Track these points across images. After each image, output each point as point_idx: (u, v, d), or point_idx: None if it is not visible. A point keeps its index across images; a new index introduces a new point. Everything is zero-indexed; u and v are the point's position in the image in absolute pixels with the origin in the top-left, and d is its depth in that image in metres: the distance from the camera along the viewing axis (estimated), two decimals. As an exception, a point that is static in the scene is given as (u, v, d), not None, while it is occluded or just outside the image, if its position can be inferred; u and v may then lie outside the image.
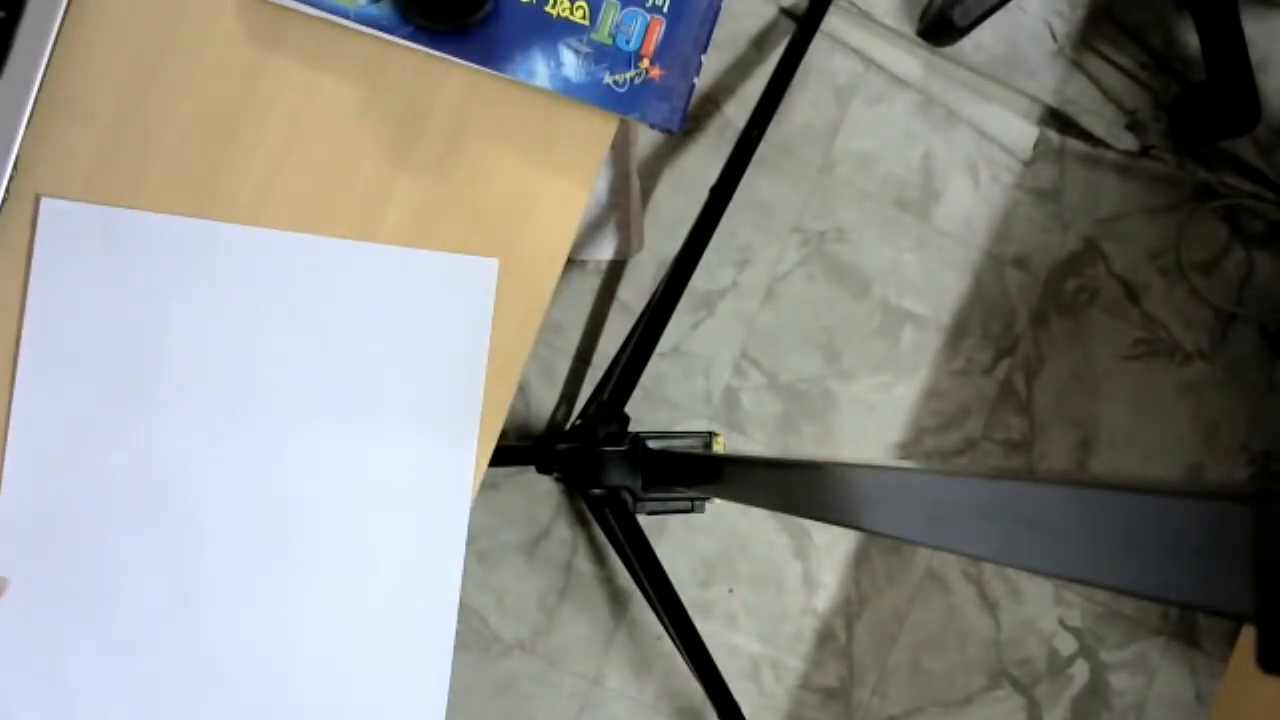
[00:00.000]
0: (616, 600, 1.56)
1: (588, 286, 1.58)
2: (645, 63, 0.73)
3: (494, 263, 0.74)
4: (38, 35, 0.64)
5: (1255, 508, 0.25)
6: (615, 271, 1.58)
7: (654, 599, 1.39)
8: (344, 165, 0.71)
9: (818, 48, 1.61)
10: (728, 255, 1.60)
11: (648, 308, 1.45)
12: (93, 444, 0.67)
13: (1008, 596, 1.66)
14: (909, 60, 1.66)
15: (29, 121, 0.65)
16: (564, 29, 0.72)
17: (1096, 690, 1.68)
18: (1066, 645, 1.68)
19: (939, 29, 1.62)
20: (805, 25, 1.59)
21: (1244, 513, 0.25)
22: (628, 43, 0.73)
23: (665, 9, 0.73)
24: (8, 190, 0.64)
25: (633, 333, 1.47)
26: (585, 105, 0.73)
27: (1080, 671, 1.68)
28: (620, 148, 1.37)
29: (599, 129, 0.75)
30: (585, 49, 0.72)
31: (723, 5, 0.75)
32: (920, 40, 1.65)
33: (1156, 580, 0.29)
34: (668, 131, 0.75)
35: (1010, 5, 1.61)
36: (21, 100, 0.64)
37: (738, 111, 1.60)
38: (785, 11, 1.62)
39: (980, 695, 1.65)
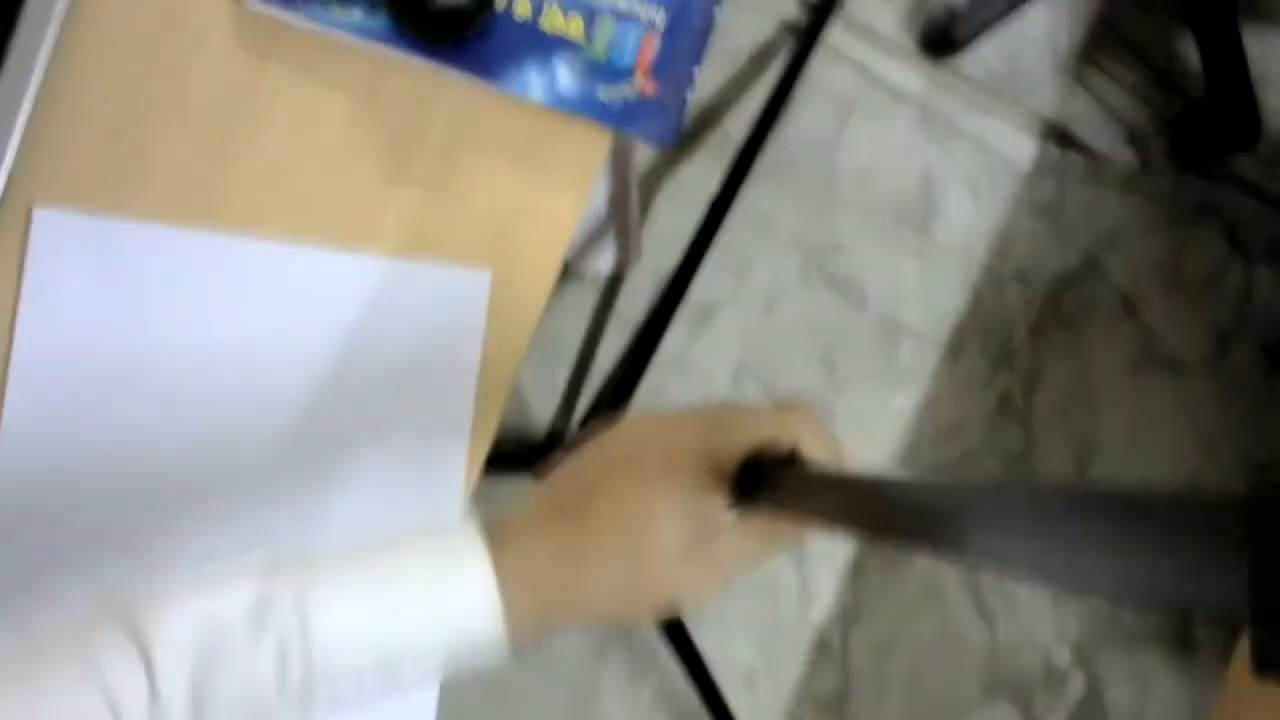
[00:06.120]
0: (614, 609, 1.56)
1: (586, 298, 1.58)
2: (640, 78, 0.74)
3: (487, 275, 0.75)
4: (32, 46, 0.65)
5: (1251, 512, 0.26)
6: (613, 283, 1.59)
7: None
8: (339, 177, 0.72)
9: (818, 61, 1.62)
10: (727, 267, 1.60)
11: (646, 318, 1.45)
12: (84, 458, 0.68)
13: (1004, 608, 1.66)
14: (910, 75, 1.66)
15: (24, 132, 0.65)
16: (558, 44, 0.72)
17: (1093, 702, 1.68)
18: (1063, 657, 1.68)
19: (940, 43, 1.63)
20: (806, 39, 1.59)
21: (1240, 517, 0.26)
22: (622, 58, 0.74)
23: (659, 25, 0.74)
24: (2, 200, 0.65)
25: (631, 343, 1.47)
26: (580, 120, 0.74)
27: (1077, 683, 1.68)
28: (619, 159, 1.37)
29: (593, 143, 0.76)
30: (579, 64, 0.73)
31: (719, 20, 0.76)
32: (921, 55, 1.65)
33: (1154, 585, 0.29)
34: (661, 146, 0.75)
35: (1011, 20, 1.62)
36: (16, 111, 0.65)
37: (738, 125, 1.61)
38: (786, 25, 1.63)
39: (976, 707, 1.65)
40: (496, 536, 0.50)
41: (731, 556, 0.53)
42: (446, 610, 0.49)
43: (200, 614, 0.47)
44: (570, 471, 0.54)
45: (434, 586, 0.49)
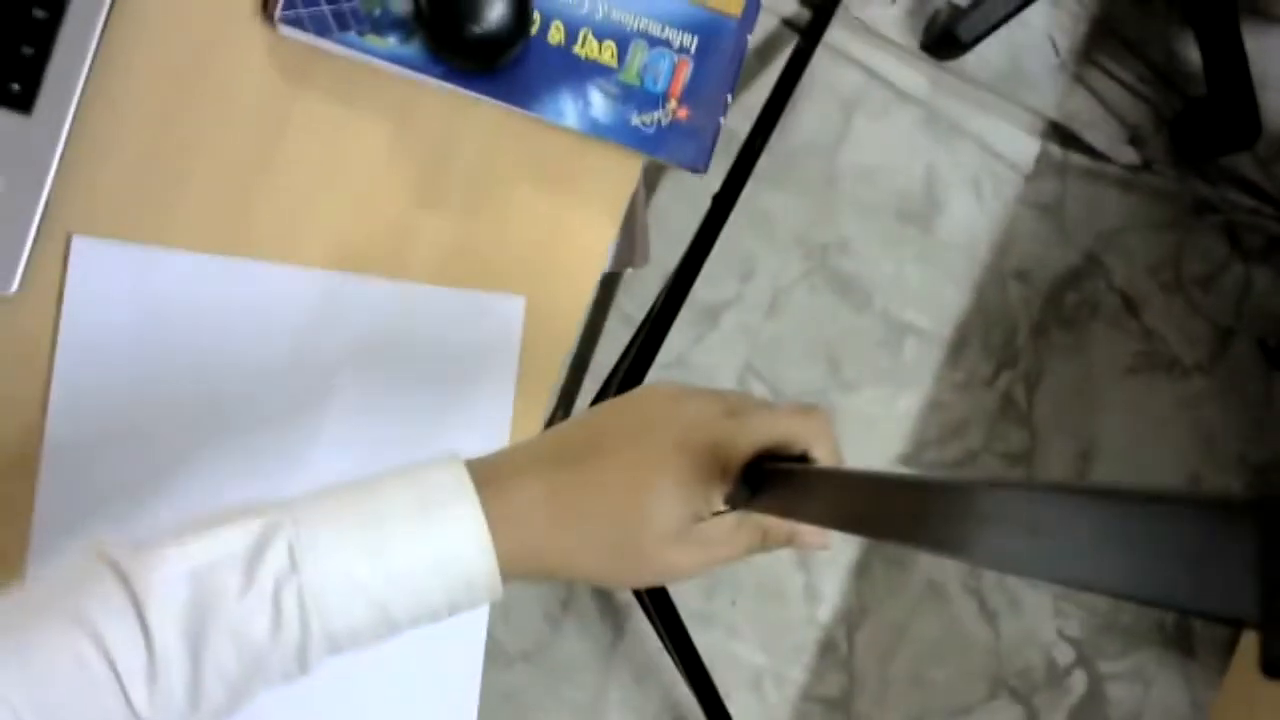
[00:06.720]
0: (619, 611, 1.56)
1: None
2: (672, 103, 0.74)
3: (521, 300, 0.75)
4: (68, 76, 0.64)
5: (1259, 512, 0.26)
6: (616, 282, 1.58)
7: (652, 613, 1.39)
8: (374, 203, 0.72)
9: (821, 60, 1.62)
10: (731, 267, 1.60)
11: (648, 317, 1.45)
12: (127, 481, 0.67)
13: (1007, 607, 1.67)
14: (913, 74, 1.66)
15: (60, 159, 0.65)
16: (592, 70, 0.72)
17: (1094, 700, 1.70)
18: (1065, 655, 1.69)
19: (943, 43, 1.63)
20: (808, 37, 1.59)
21: (1248, 517, 0.26)
22: (655, 83, 0.73)
23: (692, 50, 0.74)
24: (41, 228, 0.65)
25: (633, 342, 1.47)
26: (612, 145, 0.74)
27: (1078, 681, 1.70)
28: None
29: (625, 168, 0.76)
30: (613, 90, 0.73)
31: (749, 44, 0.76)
32: (924, 54, 1.65)
33: (1159, 586, 0.29)
34: (695, 171, 0.75)
35: (1013, 20, 1.62)
36: (53, 138, 0.64)
37: (740, 123, 1.60)
38: (787, 23, 1.63)
39: (980, 705, 1.66)
40: (489, 480, 0.50)
41: (720, 546, 0.53)
42: (435, 552, 0.48)
43: (191, 561, 0.46)
44: (582, 425, 0.54)
45: (423, 529, 0.48)
